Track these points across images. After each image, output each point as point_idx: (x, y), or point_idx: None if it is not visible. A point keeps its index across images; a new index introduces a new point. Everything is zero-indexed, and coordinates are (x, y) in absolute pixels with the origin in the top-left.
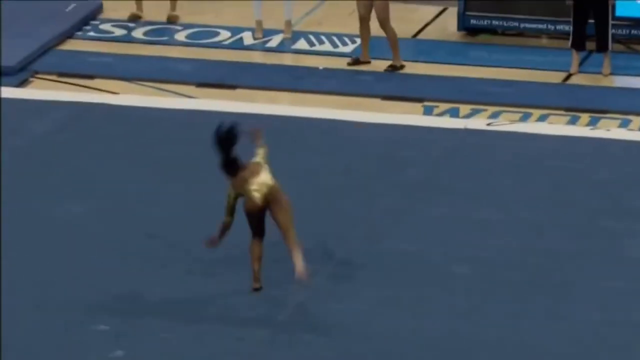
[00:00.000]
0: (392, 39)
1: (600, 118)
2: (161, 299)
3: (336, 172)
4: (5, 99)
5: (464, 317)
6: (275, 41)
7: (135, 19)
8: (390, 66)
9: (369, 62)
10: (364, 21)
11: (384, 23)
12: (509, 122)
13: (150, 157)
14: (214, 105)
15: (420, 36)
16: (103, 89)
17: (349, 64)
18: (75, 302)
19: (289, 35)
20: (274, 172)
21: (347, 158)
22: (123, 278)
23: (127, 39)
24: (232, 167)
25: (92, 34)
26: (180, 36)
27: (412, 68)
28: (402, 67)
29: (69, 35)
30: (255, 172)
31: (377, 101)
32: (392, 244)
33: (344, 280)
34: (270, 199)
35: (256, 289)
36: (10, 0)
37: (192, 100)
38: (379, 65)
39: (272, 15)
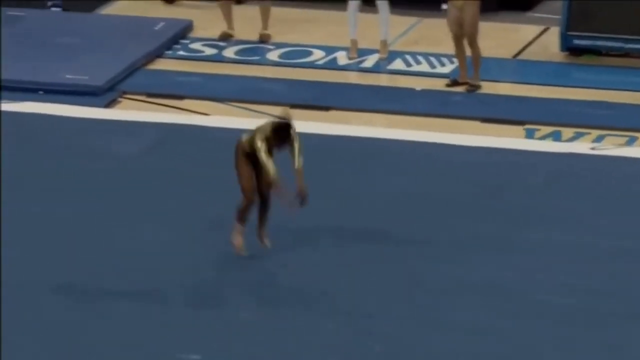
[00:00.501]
0: (476, 57)
1: None
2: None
3: (433, 196)
4: (92, 119)
5: (565, 346)
6: (370, 61)
7: (226, 37)
8: (470, 85)
9: (467, 83)
10: (458, 40)
11: (472, 39)
12: (613, 146)
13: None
14: (307, 127)
15: (522, 56)
16: (193, 109)
17: (447, 85)
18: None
19: (384, 55)
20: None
21: (444, 182)
22: (218, 300)
23: (218, 59)
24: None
25: (181, 53)
26: (273, 55)
27: (513, 89)
28: (479, 87)
29: (158, 54)
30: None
31: (476, 123)
32: (489, 271)
33: (439, 308)
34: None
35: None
36: (97, 19)
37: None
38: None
39: (367, 35)
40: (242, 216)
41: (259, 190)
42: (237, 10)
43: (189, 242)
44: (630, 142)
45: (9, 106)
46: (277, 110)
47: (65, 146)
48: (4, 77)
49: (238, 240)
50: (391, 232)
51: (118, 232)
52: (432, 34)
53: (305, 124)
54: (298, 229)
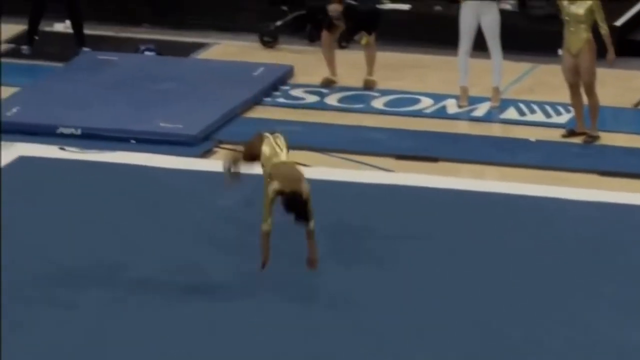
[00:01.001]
0: (593, 106)
1: None
2: None
3: (547, 253)
4: (187, 170)
5: None
6: (481, 110)
7: (328, 84)
8: (588, 136)
9: (585, 134)
10: (574, 88)
11: (589, 87)
12: None
13: (343, 235)
14: (414, 179)
15: None
16: (293, 160)
17: (563, 136)
18: None
19: (497, 104)
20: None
21: (559, 239)
22: None
23: (320, 106)
24: None
25: (281, 100)
26: (378, 103)
27: (633, 141)
28: (598, 138)
29: (256, 101)
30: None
31: (594, 177)
32: (617, 333)
33: None
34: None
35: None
36: (193, 63)
37: (389, 173)
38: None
39: (478, 82)
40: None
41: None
42: (341, 55)
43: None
44: None
45: (98, 156)
46: (382, 162)
47: (159, 199)
48: (94, 125)
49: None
50: (501, 287)
51: (220, 286)
52: (548, 80)
53: (411, 176)
54: (396, 285)
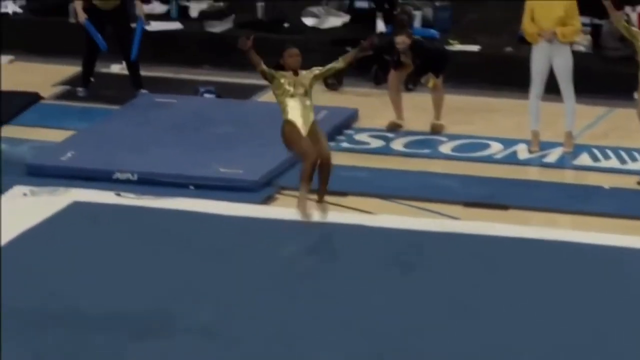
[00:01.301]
0: None
1: None
2: None
3: (623, 307)
4: (248, 217)
5: None
6: (553, 155)
7: (394, 128)
8: None
9: None
10: None
11: None
12: None
13: (408, 283)
14: (483, 228)
15: None
16: (357, 207)
17: (639, 183)
18: None
19: (570, 149)
20: None
21: (636, 291)
22: None
23: (385, 151)
24: None
25: (345, 144)
26: (446, 148)
27: None
28: None
29: None
30: None
31: None
32: None
33: None
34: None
35: None
36: (254, 106)
37: (457, 222)
38: None
39: (550, 126)
40: (305, 176)
41: (319, 152)
42: (407, 97)
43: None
44: None
45: (155, 202)
46: (450, 209)
47: (217, 247)
48: (151, 170)
49: (303, 206)
50: (581, 346)
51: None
52: (623, 125)
53: (480, 224)
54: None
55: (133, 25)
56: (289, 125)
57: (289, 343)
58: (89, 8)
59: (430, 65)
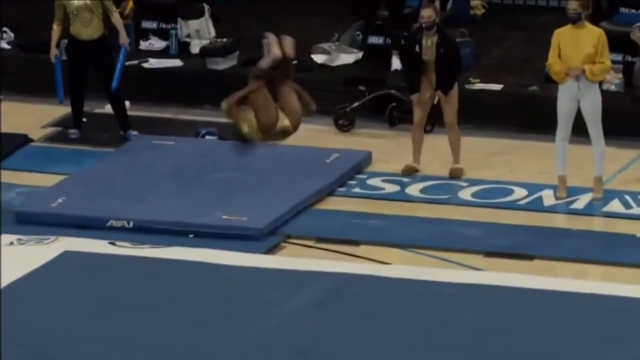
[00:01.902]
0: None
1: None
2: None
3: None
4: (253, 268)
5: None
6: (582, 202)
7: (410, 172)
8: None
9: None
10: None
11: None
12: None
13: (428, 342)
14: (506, 279)
15: None
16: (371, 257)
17: None
18: None
19: (599, 195)
20: None
21: None
22: None
23: (400, 197)
24: None
25: (357, 190)
26: (465, 194)
27: None
28: None
29: (329, 191)
30: None
31: None
32: None
33: None
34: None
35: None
36: (259, 149)
37: (479, 273)
38: None
39: (578, 171)
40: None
41: None
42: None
43: None
44: None
45: (153, 251)
46: (471, 259)
47: (219, 299)
48: (148, 217)
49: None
50: None
51: None
52: None
53: (503, 275)
54: None
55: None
56: None
57: None
58: (68, 39)
59: (450, 67)
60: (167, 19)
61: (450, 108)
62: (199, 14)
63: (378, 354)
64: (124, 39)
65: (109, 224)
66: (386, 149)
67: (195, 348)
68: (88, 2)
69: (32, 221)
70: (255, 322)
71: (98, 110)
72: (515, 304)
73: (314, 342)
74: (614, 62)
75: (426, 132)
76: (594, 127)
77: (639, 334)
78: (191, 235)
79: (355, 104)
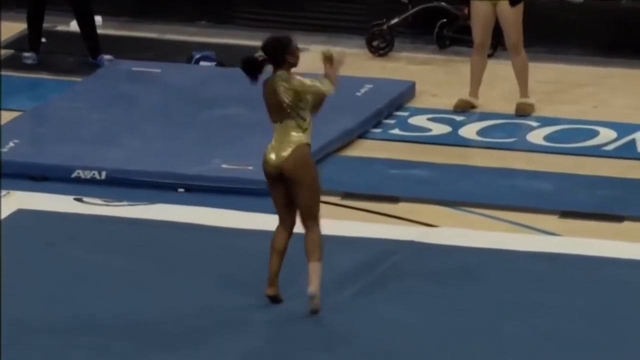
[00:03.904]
0: None
1: None
2: None
3: None
4: (261, 232)
5: None
6: None
7: (466, 108)
8: None
9: None
10: None
11: None
12: None
13: (493, 330)
14: (589, 246)
15: None
16: (413, 218)
17: None
18: None
19: None
20: None
21: None
22: None
23: (452, 141)
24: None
25: (396, 131)
26: (536, 137)
27: None
28: None
29: (360, 133)
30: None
31: None
32: None
33: None
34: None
35: (271, 297)
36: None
37: (552, 238)
38: None
39: None
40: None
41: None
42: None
43: None
44: None
45: (130, 210)
46: (544, 221)
47: (220, 274)
48: (125, 166)
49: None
50: None
51: None
52: None
53: (585, 241)
54: None
55: None
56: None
57: None
58: None
59: None
60: None
61: (514, 26)
62: None
63: (425, 348)
64: None
65: (74, 174)
66: (434, 78)
67: (188, 331)
68: None
69: None
70: (262, 304)
71: (61, 28)
72: (601, 279)
73: (346, 331)
74: None
75: (489, 55)
76: None
77: None
78: (181, 190)
79: (395, 20)
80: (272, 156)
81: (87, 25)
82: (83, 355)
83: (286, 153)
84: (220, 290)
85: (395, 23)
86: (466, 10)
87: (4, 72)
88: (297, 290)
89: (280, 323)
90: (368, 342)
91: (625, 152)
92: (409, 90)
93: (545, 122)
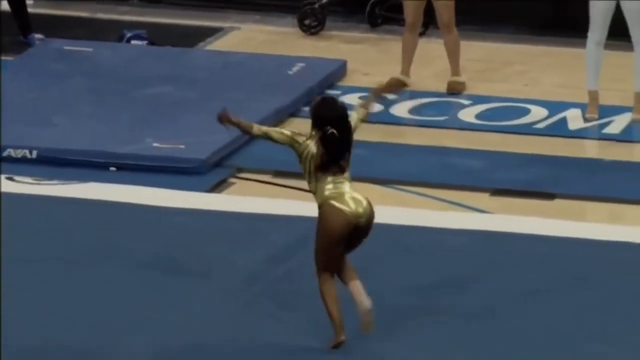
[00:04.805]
0: None
1: None
2: None
3: None
4: (192, 210)
5: None
6: (618, 124)
7: (398, 87)
8: None
9: None
10: None
11: None
12: None
13: (417, 297)
14: (519, 224)
15: None
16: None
17: None
18: None
19: None
20: None
21: None
22: None
23: (384, 119)
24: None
25: None
26: (468, 115)
27: None
28: None
29: (292, 111)
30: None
31: None
32: None
33: None
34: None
35: (339, 344)
36: (201, 57)
37: (484, 216)
38: None
39: (614, 85)
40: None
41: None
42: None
43: None
44: None
45: (62, 189)
46: (474, 199)
47: (152, 255)
48: (56, 145)
49: None
50: None
51: None
52: None
53: (517, 219)
54: None
55: None
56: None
57: None
58: None
59: None
60: None
61: (446, 4)
62: None
63: (358, 319)
64: None
65: (5, 153)
66: (366, 57)
67: (120, 320)
68: None
69: None
70: (195, 284)
71: None
72: (532, 256)
73: (278, 309)
74: None
75: (421, 34)
76: (638, 28)
77: None
78: (113, 169)
79: None
80: None
81: (17, 3)
82: None
83: None
84: (152, 267)
85: (327, 2)
86: None
87: None
88: None
89: (218, 298)
90: (309, 312)
91: (556, 130)
92: (341, 69)
93: (476, 100)
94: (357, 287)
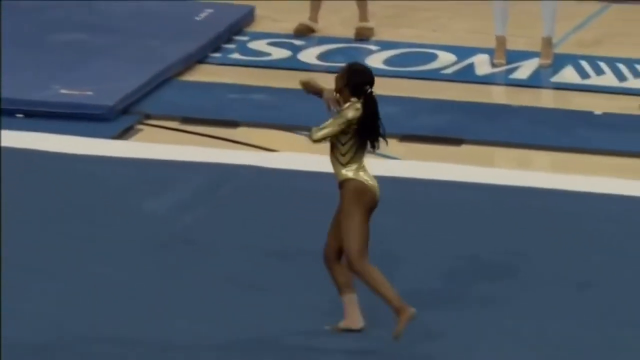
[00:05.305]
0: None
1: None
2: None
3: (621, 272)
4: (99, 157)
5: None
6: (526, 70)
7: (305, 32)
8: None
9: None
10: None
11: None
12: None
13: (310, 242)
14: (426, 169)
15: None
16: (251, 143)
17: None
18: None
19: (548, 61)
20: None
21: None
22: None
23: (292, 65)
24: None
25: (236, 56)
26: (376, 60)
27: None
28: None
29: (199, 58)
30: None
31: None
32: None
33: None
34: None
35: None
36: (110, 4)
37: (392, 162)
38: None
39: (521, 30)
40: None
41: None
42: None
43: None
44: None
45: None
46: (383, 145)
47: (59, 200)
48: None
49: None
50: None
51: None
52: (623, 28)
53: (424, 165)
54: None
55: None
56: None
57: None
58: None
59: None
60: None
61: None
62: None
63: (256, 267)
64: None
65: None
66: (274, 3)
67: (26, 263)
68: None
69: None
70: (106, 231)
71: None
72: (439, 202)
73: (180, 259)
74: None
75: None
76: None
77: (591, 236)
78: (20, 115)
79: None
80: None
81: None
82: None
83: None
84: (59, 215)
85: None
86: None
87: None
88: None
89: (126, 246)
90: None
91: (464, 76)
92: (249, 15)
93: (384, 46)
94: (353, 303)
